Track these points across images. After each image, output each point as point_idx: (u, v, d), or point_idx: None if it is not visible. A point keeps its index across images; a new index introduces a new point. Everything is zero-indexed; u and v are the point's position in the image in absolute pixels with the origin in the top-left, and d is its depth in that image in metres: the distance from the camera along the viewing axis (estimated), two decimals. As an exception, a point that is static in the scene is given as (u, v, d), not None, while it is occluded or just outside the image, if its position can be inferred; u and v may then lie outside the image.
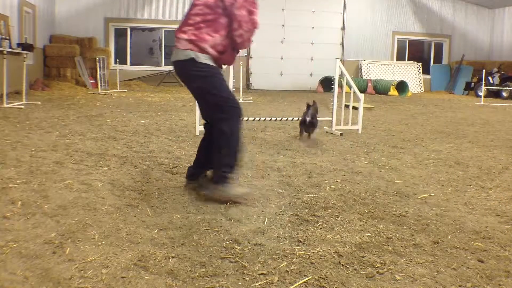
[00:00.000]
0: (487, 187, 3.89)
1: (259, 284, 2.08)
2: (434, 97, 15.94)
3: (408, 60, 19.15)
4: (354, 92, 6.76)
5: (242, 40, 3.24)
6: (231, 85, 6.29)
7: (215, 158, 3.30)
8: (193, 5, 3.27)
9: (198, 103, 3.56)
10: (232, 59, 3.42)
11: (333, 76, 6.72)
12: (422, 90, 18.51)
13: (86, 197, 3.24)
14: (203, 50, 3.19)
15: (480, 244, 2.61)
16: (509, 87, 15.62)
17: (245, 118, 6.75)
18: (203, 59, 3.20)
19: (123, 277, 2.10)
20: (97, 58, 13.81)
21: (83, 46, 15.08)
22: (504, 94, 15.83)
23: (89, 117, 7.48)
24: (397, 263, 2.33)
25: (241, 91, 12.58)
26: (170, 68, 12.80)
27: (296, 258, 2.35)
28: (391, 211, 3.17)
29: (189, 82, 3.35)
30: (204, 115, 3.49)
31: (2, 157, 4.33)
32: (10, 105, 8.55)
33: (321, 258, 2.36)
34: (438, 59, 19.63)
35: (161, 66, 17.21)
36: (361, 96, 6.84)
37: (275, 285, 2.08)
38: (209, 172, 3.55)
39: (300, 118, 6.14)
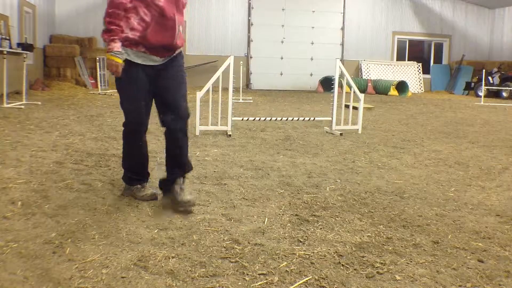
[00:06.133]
0: (487, 187, 3.89)
1: (259, 284, 2.08)
2: (434, 97, 15.94)
3: (408, 60, 19.14)
4: (354, 92, 6.76)
5: None
6: (231, 85, 6.27)
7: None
8: None
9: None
10: None
11: (333, 76, 6.72)
12: (422, 90, 18.50)
13: (86, 197, 3.25)
14: None
15: (480, 244, 2.61)
16: (509, 87, 15.61)
17: (245, 118, 6.76)
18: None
19: (123, 277, 2.10)
20: (97, 58, 13.80)
21: (83, 46, 15.06)
22: (504, 94, 15.82)
23: (89, 117, 7.48)
24: (397, 263, 2.33)
25: (241, 91, 12.58)
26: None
27: (296, 258, 2.35)
28: (391, 211, 3.17)
29: None
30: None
31: (2, 157, 4.33)
32: (10, 105, 8.54)
33: (321, 258, 2.36)
34: (438, 59, 19.61)
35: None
36: (361, 96, 6.85)
37: (275, 285, 2.08)
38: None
39: None
